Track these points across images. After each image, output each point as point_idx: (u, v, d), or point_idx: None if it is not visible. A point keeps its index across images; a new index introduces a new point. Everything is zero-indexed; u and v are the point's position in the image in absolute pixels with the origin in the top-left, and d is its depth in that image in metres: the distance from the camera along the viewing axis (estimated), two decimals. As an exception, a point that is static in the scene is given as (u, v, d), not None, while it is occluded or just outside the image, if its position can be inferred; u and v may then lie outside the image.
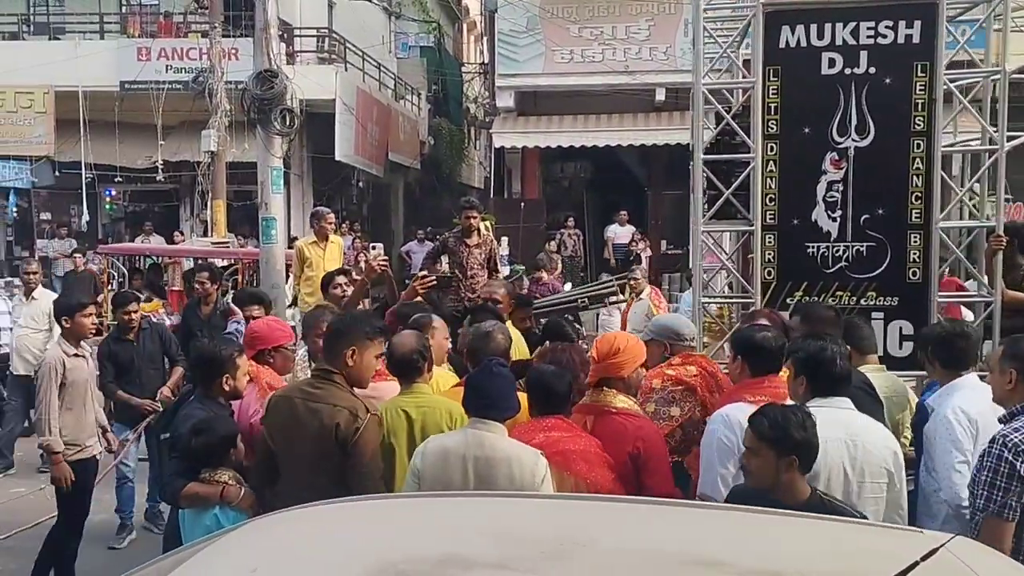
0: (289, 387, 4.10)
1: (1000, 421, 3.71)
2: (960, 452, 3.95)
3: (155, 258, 14.13)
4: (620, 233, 17.84)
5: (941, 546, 1.89)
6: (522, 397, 4.21)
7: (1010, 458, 3.45)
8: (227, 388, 4.32)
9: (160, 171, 16.80)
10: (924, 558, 1.79)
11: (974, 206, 8.55)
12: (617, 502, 2.74)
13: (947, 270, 6.54)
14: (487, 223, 13.52)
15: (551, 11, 17.13)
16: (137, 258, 14.31)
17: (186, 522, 4.04)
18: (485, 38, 23.32)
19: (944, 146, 6.22)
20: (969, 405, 4.03)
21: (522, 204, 18.52)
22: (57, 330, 6.31)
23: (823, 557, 2.03)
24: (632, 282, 8.88)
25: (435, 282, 6.25)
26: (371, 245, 17.09)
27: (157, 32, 17.62)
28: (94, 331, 6.14)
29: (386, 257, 7.90)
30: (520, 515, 2.34)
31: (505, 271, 14.33)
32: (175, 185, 18.08)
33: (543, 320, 6.74)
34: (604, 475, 3.71)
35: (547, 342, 5.56)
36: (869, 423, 3.52)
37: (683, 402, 4.51)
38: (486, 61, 22.66)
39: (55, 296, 8.21)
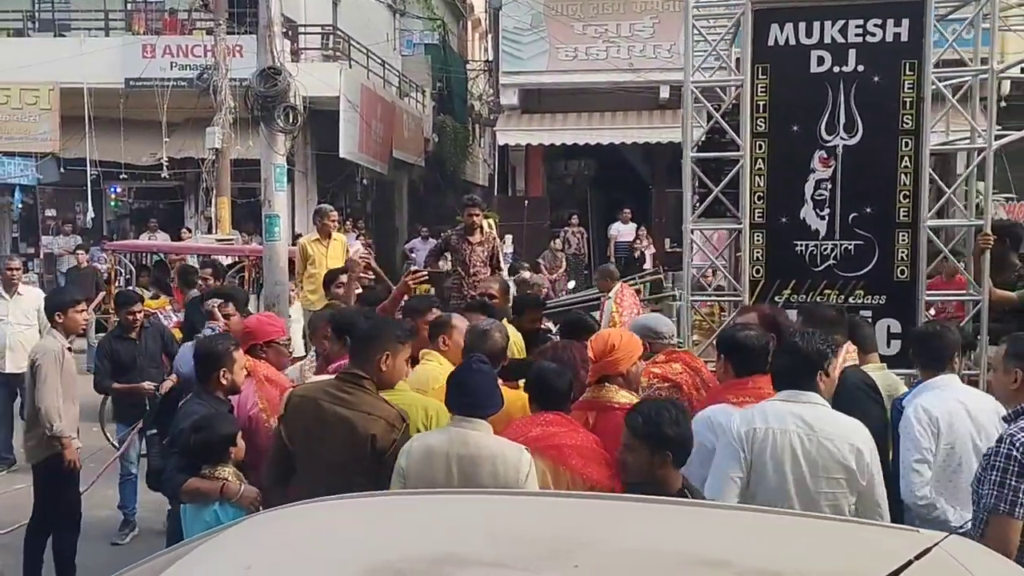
0: (311, 387, 4.05)
1: (1004, 420, 3.71)
2: (918, 451, 3.96)
3: (161, 255, 14.21)
4: (624, 231, 17.85)
5: (935, 544, 1.90)
6: (517, 395, 4.26)
7: (1019, 457, 3.44)
8: (224, 382, 4.35)
9: (165, 168, 16.88)
10: (918, 556, 1.80)
11: (976, 205, 8.55)
12: (614, 500, 2.75)
13: (962, 266, 6.48)
14: (490, 221, 13.58)
15: (555, 8, 17.14)
16: (144, 255, 14.41)
17: (187, 518, 4.08)
18: (489, 35, 23.36)
19: (936, 144, 6.24)
20: (933, 404, 4.02)
21: (526, 202, 18.55)
22: (47, 326, 6.35)
23: (819, 555, 2.05)
24: (600, 282, 8.92)
25: (427, 277, 6.28)
26: (350, 245, 17.12)
27: (162, 29, 17.72)
28: (85, 327, 6.20)
29: (366, 253, 7.95)
30: (517, 513, 2.35)
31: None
32: (180, 182, 18.16)
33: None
34: (600, 471, 3.70)
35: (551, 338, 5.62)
36: (834, 419, 3.50)
37: (673, 391, 4.53)
38: (490, 58, 22.68)
39: (42, 293, 8.25)
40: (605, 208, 19.03)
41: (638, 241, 17.41)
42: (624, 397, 4.06)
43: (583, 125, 17.53)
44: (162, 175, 17.03)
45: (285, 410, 3.91)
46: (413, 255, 17.64)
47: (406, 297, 5.89)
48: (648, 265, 16.45)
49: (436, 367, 4.55)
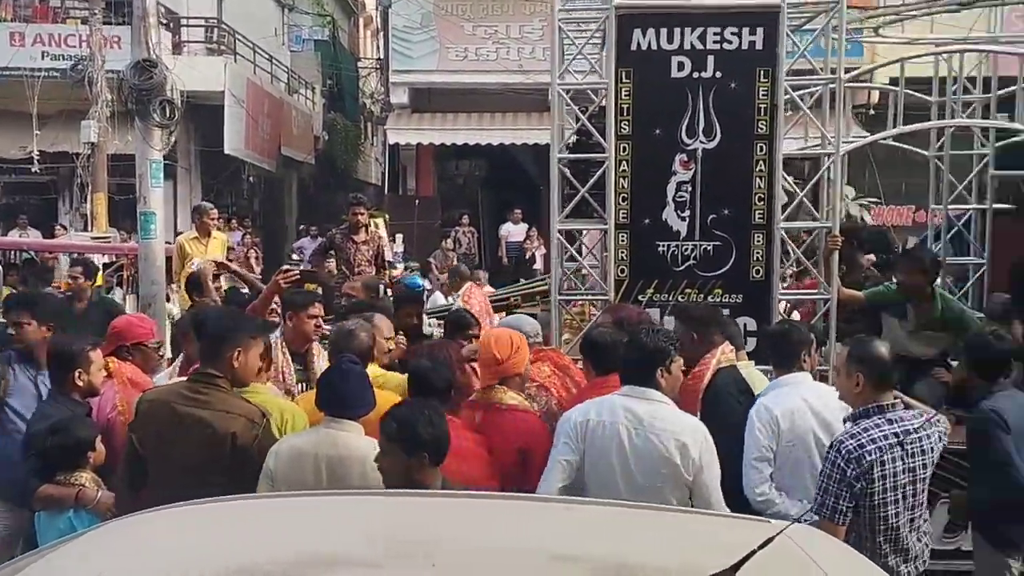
0: (162, 391, 3.99)
1: (846, 421, 3.89)
2: (757, 449, 4.08)
3: (31, 253, 13.64)
4: (514, 231, 18.02)
5: (779, 533, 1.99)
6: (389, 395, 4.26)
7: (842, 464, 3.61)
8: (81, 384, 4.22)
9: (36, 162, 16.13)
10: (763, 545, 1.87)
11: (844, 209, 8.89)
12: (481, 498, 2.82)
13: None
14: (378, 220, 13.51)
15: (445, 8, 17.15)
16: (12, 252, 13.78)
17: (41, 525, 3.95)
18: (380, 33, 23.21)
19: (794, 150, 6.51)
20: (775, 403, 4.15)
21: (416, 201, 18.54)
22: None
23: (670, 547, 2.13)
24: (451, 281, 9.02)
25: (299, 277, 6.22)
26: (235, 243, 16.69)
27: (32, 16, 16.93)
28: None
29: (208, 259, 7.88)
30: (385, 514, 2.37)
31: (400, 268, 14.32)
32: (52, 177, 17.40)
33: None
34: (475, 470, 3.77)
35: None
36: (668, 415, 3.61)
37: (539, 397, 4.60)
38: (382, 56, 22.56)
39: None
40: (496, 208, 19.16)
41: (528, 241, 17.58)
42: (513, 399, 4.15)
43: (473, 125, 17.61)
44: (33, 169, 16.26)
45: (136, 415, 3.84)
46: (300, 255, 17.38)
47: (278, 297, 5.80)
48: (539, 265, 16.65)
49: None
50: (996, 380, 4.63)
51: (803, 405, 4.15)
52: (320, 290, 7.55)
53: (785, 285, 7.48)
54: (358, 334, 4.62)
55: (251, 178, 20.52)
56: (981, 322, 5.90)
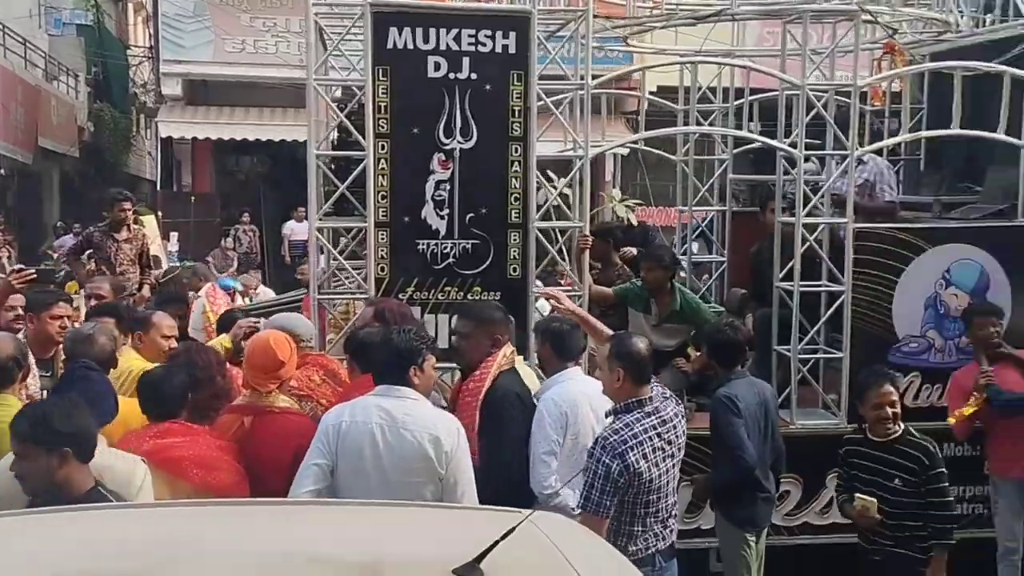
0: None
1: (607, 415, 4.04)
2: (547, 443, 4.20)
3: None
4: (298, 229, 17.58)
5: (523, 520, 2.03)
6: (133, 403, 4.05)
7: (605, 460, 3.76)
8: None
9: None
10: (506, 534, 1.90)
11: (612, 208, 9.28)
12: (227, 505, 2.74)
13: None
14: (149, 218, 12.79)
15: (220, -3, 16.56)
16: None
17: None
18: (152, 20, 22.04)
19: (552, 153, 6.74)
20: (562, 397, 4.29)
21: (193, 198, 17.81)
22: None
23: (420, 542, 2.13)
24: (192, 280, 8.83)
25: (35, 276, 5.81)
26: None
27: None
28: None
29: None
30: (123, 526, 2.25)
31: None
32: None
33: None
34: (221, 478, 3.66)
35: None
36: (420, 411, 3.65)
37: (305, 401, 4.52)
38: (153, 45, 21.44)
39: None
40: (279, 206, 18.68)
41: (313, 240, 17.26)
42: (284, 401, 4.09)
43: (253, 120, 17.13)
44: None
45: None
46: (60, 254, 16.17)
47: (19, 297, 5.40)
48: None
49: (137, 362, 4.60)
50: (733, 368, 5.03)
51: (584, 399, 4.32)
52: (81, 291, 7.12)
53: (564, 282, 7.78)
54: (97, 338, 4.42)
55: (2, 171, 18.89)
56: (719, 315, 6.36)
